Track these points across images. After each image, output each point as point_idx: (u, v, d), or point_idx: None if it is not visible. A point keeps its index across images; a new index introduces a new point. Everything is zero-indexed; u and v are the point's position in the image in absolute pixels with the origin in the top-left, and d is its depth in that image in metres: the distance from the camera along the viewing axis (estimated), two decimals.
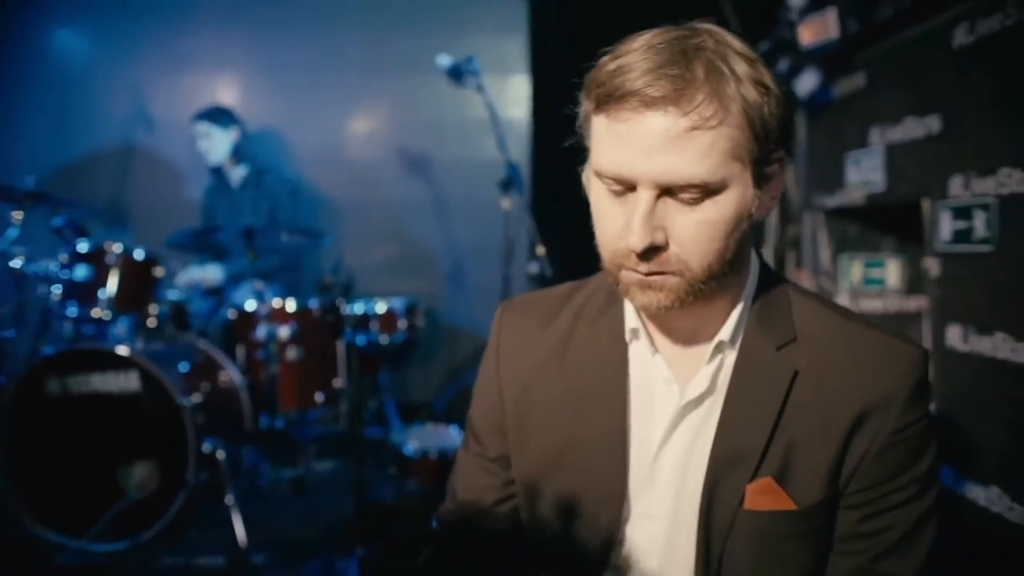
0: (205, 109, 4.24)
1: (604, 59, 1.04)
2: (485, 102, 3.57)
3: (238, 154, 4.23)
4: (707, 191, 0.98)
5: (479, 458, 1.28)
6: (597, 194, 1.07)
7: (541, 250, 3.32)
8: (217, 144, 4.13)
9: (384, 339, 4.11)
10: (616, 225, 1.03)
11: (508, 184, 3.49)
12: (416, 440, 3.57)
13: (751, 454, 1.06)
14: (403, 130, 4.77)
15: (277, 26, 4.65)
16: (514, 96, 4.78)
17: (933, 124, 3.33)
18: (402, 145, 4.74)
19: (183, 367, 3.17)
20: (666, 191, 0.98)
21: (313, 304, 3.66)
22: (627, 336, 1.17)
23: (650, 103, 0.95)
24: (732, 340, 1.11)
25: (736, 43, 1.03)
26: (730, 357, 1.11)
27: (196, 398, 3.01)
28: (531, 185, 4.52)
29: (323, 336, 3.59)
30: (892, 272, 4.45)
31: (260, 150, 4.45)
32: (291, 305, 3.59)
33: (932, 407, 0.95)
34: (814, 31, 3.74)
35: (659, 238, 0.99)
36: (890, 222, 4.26)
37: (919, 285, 4.35)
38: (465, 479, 1.31)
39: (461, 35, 4.71)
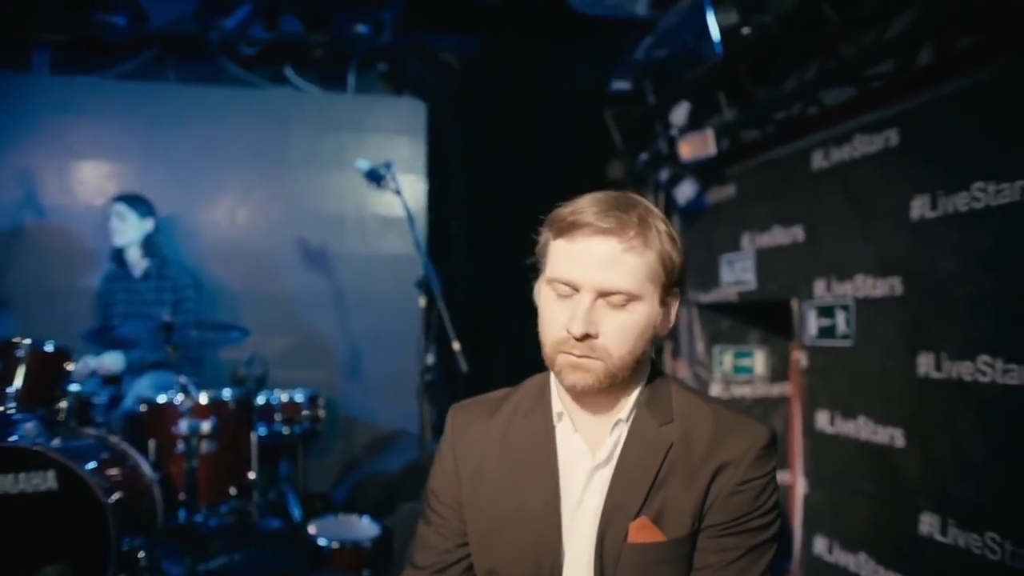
0: (127, 193, 4.21)
1: (562, 208, 1.36)
2: (404, 205, 3.79)
3: (147, 246, 4.21)
4: (630, 298, 1.31)
5: (441, 528, 1.53)
6: (547, 298, 1.37)
7: (456, 346, 3.52)
8: (129, 229, 4.09)
9: (286, 430, 4.14)
10: (561, 319, 1.33)
11: (425, 283, 3.68)
12: (329, 531, 3.60)
13: (634, 502, 1.37)
14: (303, 223, 4.87)
15: (177, 119, 4.70)
16: (410, 194, 5.00)
17: (798, 233, 3.82)
18: (302, 238, 4.84)
19: (95, 463, 3.10)
20: (601, 295, 1.30)
21: (227, 396, 3.67)
22: (554, 419, 1.48)
23: (599, 231, 1.29)
24: (627, 418, 1.44)
25: (657, 211, 1.39)
26: (623, 431, 1.45)
27: (117, 495, 2.95)
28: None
29: (237, 428, 3.60)
30: (759, 361, 4.90)
31: (160, 240, 4.43)
32: (204, 398, 3.59)
33: (775, 471, 1.33)
34: (693, 147, 4.19)
35: (593, 329, 1.30)
36: (757, 316, 4.72)
37: (783, 373, 4.83)
38: (425, 548, 1.54)
39: (362, 134, 4.93)
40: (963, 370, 2.80)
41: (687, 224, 4.95)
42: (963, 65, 2.81)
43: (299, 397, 4.21)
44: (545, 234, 1.39)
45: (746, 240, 4.27)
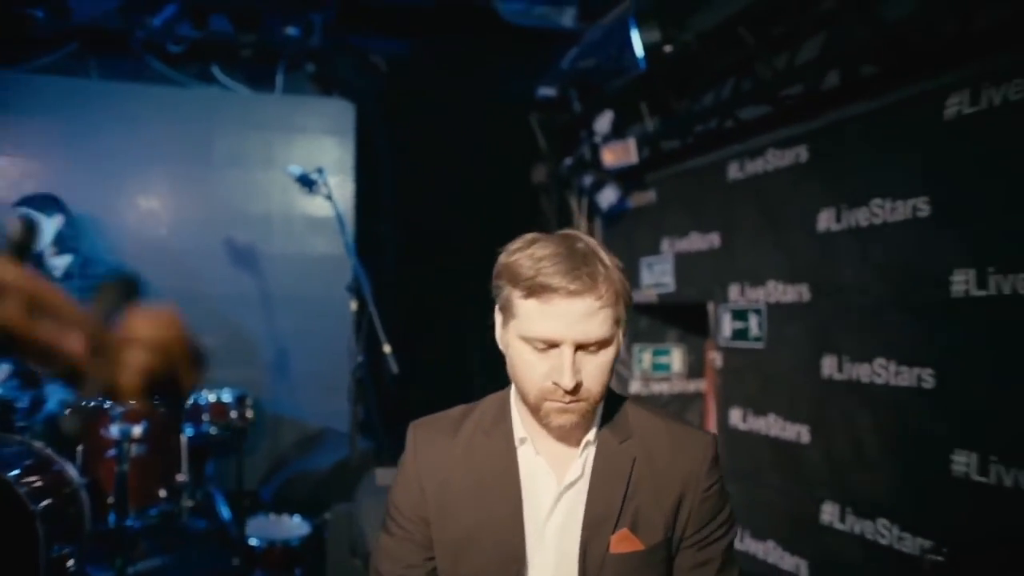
0: (28, 195, 4.11)
1: (518, 257, 1.41)
2: (335, 210, 3.84)
3: (61, 243, 4.11)
4: (604, 344, 1.40)
5: (406, 541, 1.58)
6: (521, 351, 1.43)
7: (387, 348, 3.60)
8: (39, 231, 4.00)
9: (214, 430, 4.13)
10: (543, 370, 1.40)
11: (356, 286, 3.74)
12: (259, 531, 3.63)
13: (611, 515, 1.48)
14: (229, 223, 4.83)
15: (100, 116, 4.59)
16: (338, 194, 5.01)
17: (714, 240, 4.03)
18: (228, 237, 4.81)
19: (19, 470, 3.05)
20: (579, 346, 1.38)
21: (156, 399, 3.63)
22: (516, 443, 1.57)
23: (573, 294, 1.36)
24: (593, 440, 1.55)
25: (601, 248, 1.45)
26: (591, 451, 1.55)
27: (45, 502, 2.92)
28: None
29: (166, 431, 3.58)
30: (676, 359, 5.12)
31: (83, 238, 4.35)
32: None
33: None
34: (616, 155, 4.37)
35: (579, 378, 1.39)
36: (675, 316, 4.93)
37: (699, 370, 5.07)
38: (391, 559, 1.59)
39: (290, 134, 4.92)
40: (861, 372, 3.04)
41: (608, 227, 5.13)
42: (865, 91, 3.04)
43: (227, 397, 4.20)
44: (507, 289, 1.44)
45: (666, 244, 4.48)
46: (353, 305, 3.74)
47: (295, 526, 3.78)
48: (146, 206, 4.78)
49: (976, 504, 2.54)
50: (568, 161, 5.13)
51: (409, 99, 4.95)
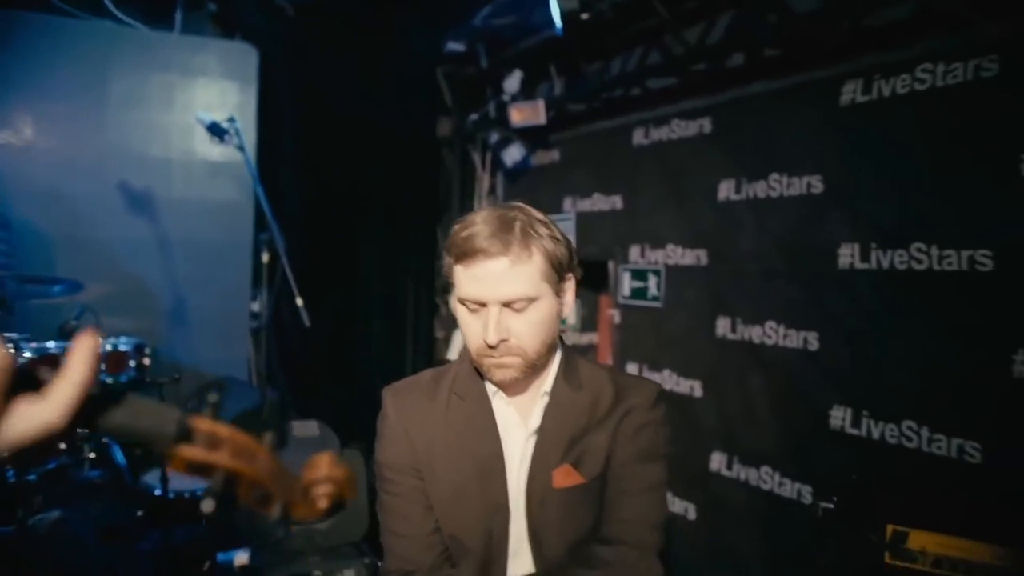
0: None
1: (456, 230, 1.55)
2: (246, 159, 3.76)
3: None
4: (529, 301, 1.52)
5: (409, 496, 1.67)
6: (462, 312, 1.58)
7: (300, 301, 3.60)
8: None
9: (111, 379, 4.03)
10: (477, 329, 1.54)
11: (269, 239, 3.69)
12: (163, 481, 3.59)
13: (556, 456, 1.62)
14: (125, 166, 4.61)
15: None
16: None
17: (617, 202, 4.21)
18: (124, 181, 4.60)
19: None
20: (505, 305, 1.51)
21: (56, 350, 3.52)
22: (491, 396, 1.70)
23: (490, 255, 1.49)
24: (550, 390, 1.69)
25: (538, 214, 1.58)
26: (547, 400, 1.69)
27: None
28: (255, 228, 4.68)
29: None
30: (571, 313, 5.34)
31: None
32: (29, 352, 3.42)
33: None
34: (524, 114, 4.45)
35: (504, 335, 1.52)
36: None
37: (592, 324, 5.29)
38: (402, 517, 1.67)
39: (190, 76, 4.71)
40: (753, 333, 3.30)
41: (511, 183, 5.23)
42: (769, 72, 3.25)
43: (124, 346, 4.09)
44: (447, 259, 1.58)
45: (568, 203, 4.62)
46: (266, 257, 3.70)
47: None
48: (32, 146, 4.50)
49: (848, 454, 2.85)
50: (473, 117, 5.18)
51: (315, 46, 4.83)
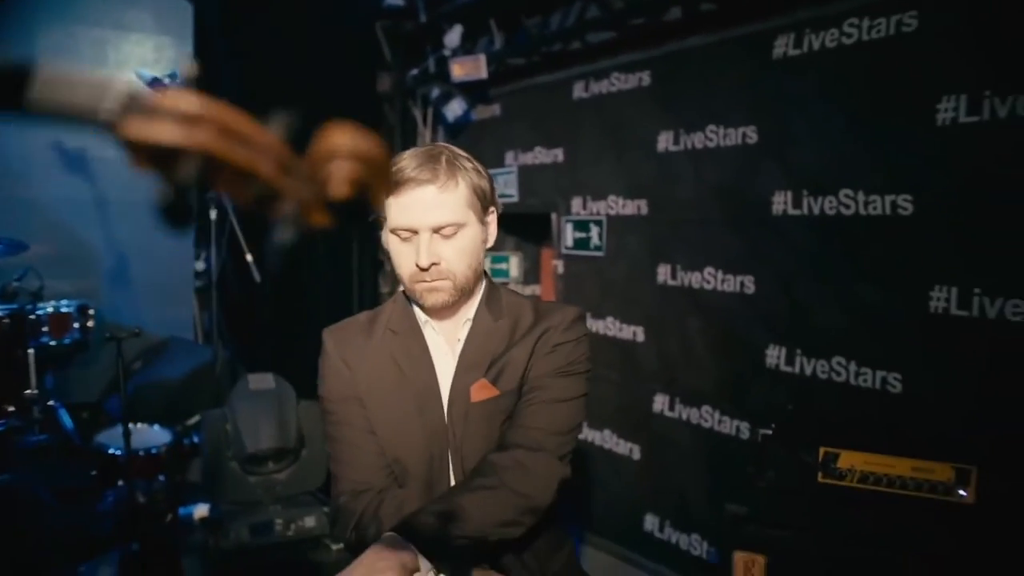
0: None
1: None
2: None
3: None
4: (458, 227, 1.62)
5: (353, 421, 1.73)
6: (394, 243, 1.66)
7: (249, 257, 3.61)
8: None
9: (54, 342, 3.99)
10: (409, 257, 1.63)
11: (215, 195, 3.68)
12: (116, 441, 3.59)
13: (477, 373, 1.71)
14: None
15: None
16: None
17: (558, 154, 4.29)
18: (56, 140, 4.50)
19: None
20: (435, 231, 1.61)
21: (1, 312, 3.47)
22: (422, 327, 1.78)
23: (419, 183, 1.60)
24: (472, 317, 1.78)
25: (462, 152, 1.70)
26: (469, 326, 1.78)
27: None
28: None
29: (10, 344, 3.43)
30: (514, 265, 5.42)
31: None
32: None
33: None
34: (465, 69, 4.48)
35: (435, 258, 1.61)
36: (513, 226, 5.20)
37: (534, 276, 5.40)
38: (349, 444, 1.73)
39: (123, 32, 4.59)
40: (692, 279, 3.45)
41: (453, 138, 5.25)
42: (705, 26, 3.35)
43: (67, 308, 4.04)
44: None
45: (510, 157, 4.69)
46: (214, 214, 3.69)
47: (156, 434, 3.79)
48: None
49: (783, 390, 3.04)
50: (414, 72, 5.17)
51: (250, 1, 4.76)
